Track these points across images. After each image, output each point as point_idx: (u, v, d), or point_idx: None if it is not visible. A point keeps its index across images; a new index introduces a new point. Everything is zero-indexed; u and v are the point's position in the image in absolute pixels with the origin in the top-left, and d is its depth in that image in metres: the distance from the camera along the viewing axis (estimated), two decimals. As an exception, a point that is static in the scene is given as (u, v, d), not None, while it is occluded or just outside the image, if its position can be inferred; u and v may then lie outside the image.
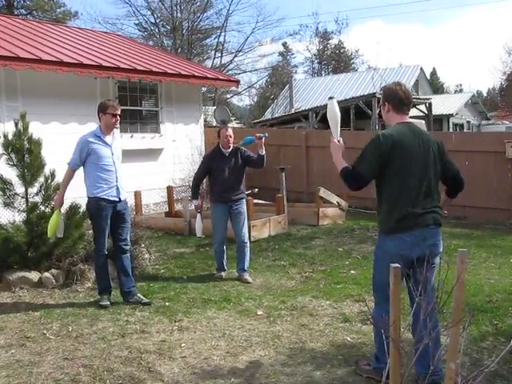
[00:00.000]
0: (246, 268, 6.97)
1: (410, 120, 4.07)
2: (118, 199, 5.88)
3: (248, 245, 7.07)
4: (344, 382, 4.00)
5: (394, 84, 4.05)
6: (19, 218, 6.84)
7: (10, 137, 6.57)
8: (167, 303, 5.98)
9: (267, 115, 30.56)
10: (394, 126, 3.94)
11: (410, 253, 3.67)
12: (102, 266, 6.03)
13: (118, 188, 5.87)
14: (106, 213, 5.81)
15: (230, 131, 7.01)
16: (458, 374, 2.30)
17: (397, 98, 3.96)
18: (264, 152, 6.87)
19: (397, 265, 2.14)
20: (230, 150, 6.97)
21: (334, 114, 4.16)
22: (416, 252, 3.65)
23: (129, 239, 6.14)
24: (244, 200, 7.13)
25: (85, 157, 5.77)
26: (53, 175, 6.71)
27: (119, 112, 5.94)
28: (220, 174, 6.89)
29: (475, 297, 5.78)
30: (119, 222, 5.96)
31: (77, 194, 6.12)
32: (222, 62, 37.65)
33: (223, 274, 7.07)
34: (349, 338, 4.86)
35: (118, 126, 6.05)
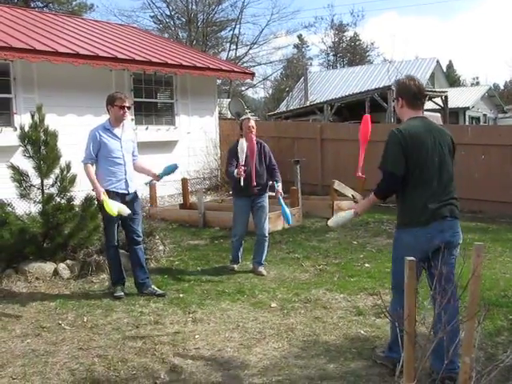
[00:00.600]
0: (262, 262, 6.97)
1: (425, 114, 4.06)
2: (126, 192, 5.90)
3: (267, 239, 7.06)
4: (357, 376, 3.99)
5: (407, 79, 4.03)
6: (35, 209, 6.88)
7: (27, 129, 6.60)
8: (181, 295, 6.00)
9: (282, 108, 30.49)
10: (407, 120, 3.95)
11: (427, 246, 3.69)
12: (114, 258, 6.06)
13: (126, 181, 5.89)
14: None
15: (253, 122, 6.93)
16: (472, 369, 2.29)
17: (411, 93, 3.95)
18: (278, 188, 6.93)
19: (412, 258, 2.13)
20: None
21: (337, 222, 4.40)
22: (433, 245, 3.67)
23: (141, 231, 6.16)
24: (267, 194, 7.09)
25: (97, 150, 5.79)
26: (68, 167, 6.74)
27: (127, 104, 5.93)
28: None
29: (490, 291, 5.74)
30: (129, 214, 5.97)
31: (91, 186, 6.15)
32: (237, 55, 37.69)
33: (236, 266, 7.08)
34: (362, 332, 4.85)
35: (128, 117, 6.03)
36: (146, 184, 6.78)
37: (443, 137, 3.93)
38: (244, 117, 7.09)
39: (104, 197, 5.65)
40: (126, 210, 5.69)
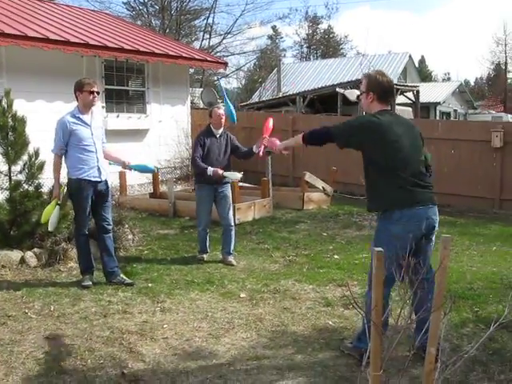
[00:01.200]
0: (231, 251, 6.97)
1: (396, 108, 4.15)
2: (99, 179, 5.83)
3: (234, 228, 7.07)
4: (325, 366, 4.02)
5: (378, 74, 4.09)
6: (2, 196, 6.77)
7: (-6, 114, 6.49)
8: (150, 284, 5.97)
9: (254, 98, 30.46)
10: (377, 113, 3.98)
11: (418, 230, 3.80)
12: (83, 246, 6.00)
13: (99, 168, 5.82)
14: (87, 193, 5.76)
15: (222, 111, 6.95)
16: (437, 360, 2.32)
17: (382, 88, 4.02)
18: (257, 151, 6.47)
19: (380, 249, 2.15)
20: (221, 130, 6.91)
21: None
22: (421, 232, 3.81)
23: (111, 219, 6.11)
24: (229, 184, 7.10)
25: (67, 139, 5.70)
26: (37, 153, 6.65)
27: (96, 89, 5.84)
28: (209, 155, 6.80)
29: (457, 284, 5.83)
30: (101, 201, 5.92)
31: (61, 174, 6.07)
32: (211, 44, 37.38)
33: (205, 256, 7.08)
34: (330, 322, 4.89)
35: (98, 103, 5.95)
36: (110, 164, 6.59)
37: (412, 128, 4.06)
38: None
39: (55, 200, 5.80)
40: (50, 227, 5.89)
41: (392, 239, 3.73)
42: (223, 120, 6.90)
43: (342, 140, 4.02)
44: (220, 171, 6.63)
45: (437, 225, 3.99)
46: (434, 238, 4.03)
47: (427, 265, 3.77)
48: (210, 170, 6.63)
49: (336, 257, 7.18)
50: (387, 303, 3.52)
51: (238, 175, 6.90)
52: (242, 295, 5.63)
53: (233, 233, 7.01)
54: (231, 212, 7.08)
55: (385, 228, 3.95)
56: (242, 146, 7.11)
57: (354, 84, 21.01)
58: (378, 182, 3.94)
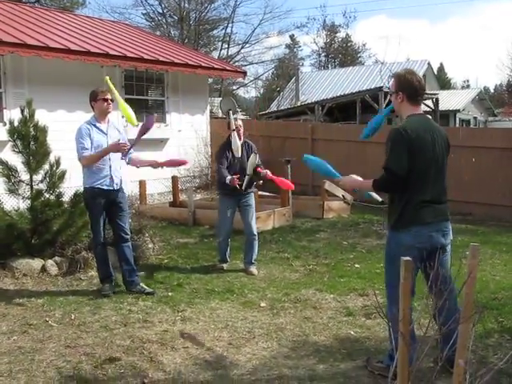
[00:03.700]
0: (253, 261, 6.95)
1: (423, 112, 4.03)
2: (111, 188, 5.83)
3: (257, 237, 7.03)
4: (347, 377, 3.97)
5: (408, 72, 3.93)
6: (23, 205, 6.82)
7: (16, 124, 6.54)
8: (170, 293, 5.95)
9: (273, 107, 30.45)
10: (408, 118, 3.87)
11: (426, 245, 3.70)
12: (101, 255, 6.00)
13: (111, 177, 5.81)
14: (99, 201, 5.75)
15: (240, 121, 6.98)
16: (466, 371, 2.27)
17: (413, 88, 3.86)
18: (264, 174, 6.84)
19: (408, 258, 2.10)
20: (241, 141, 6.93)
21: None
22: (431, 244, 3.71)
23: (128, 228, 6.10)
24: (252, 193, 7.09)
25: (90, 143, 5.71)
26: (58, 163, 6.69)
27: (110, 96, 5.88)
28: (231, 166, 6.82)
29: (480, 293, 5.74)
30: (117, 211, 5.92)
31: (80, 182, 6.09)
32: (229, 54, 37.65)
33: (224, 265, 7.06)
34: (352, 332, 4.83)
35: (111, 110, 5.97)
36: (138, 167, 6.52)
37: (442, 136, 3.90)
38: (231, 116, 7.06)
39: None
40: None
41: (403, 250, 3.56)
42: (242, 130, 6.94)
43: (403, 167, 3.69)
44: (236, 182, 6.60)
45: (450, 235, 3.91)
46: (449, 249, 3.93)
47: (449, 276, 3.72)
48: (228, 179, 6.63)
49: (357, 266, 7.12)
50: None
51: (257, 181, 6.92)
52: (263, 304, 5.60)
53: (255, 242, 6.98)
54: (254, 221, 7.05)
55: (394, 237, 3.85)
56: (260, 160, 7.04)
57: (373, 92, 20.95)
58: (397, 195, 3.83)
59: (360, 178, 4.09)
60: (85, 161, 5.71)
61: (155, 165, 6.08)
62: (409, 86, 3.86)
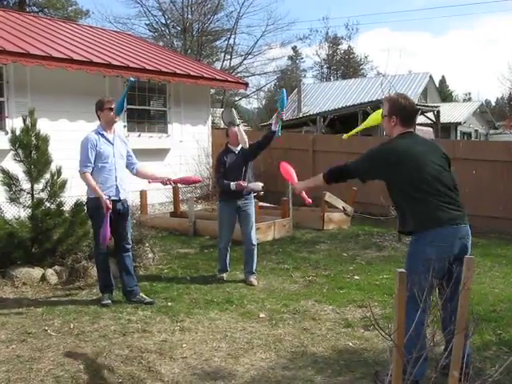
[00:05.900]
0: (253, 271, 6.96)
1: (417, 128, 4.11)
2: (117, 198, 5.85)
3: (256, 247, 7.05)
4: (345, 388, 3.97)
5: (401, 97, 4.05)
6: (24, 213, 6.84)
7: (18, 132, 6.57)
8: (169, 303, 5.96)
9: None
10: (397, 137, 3.98)
11: (451, 252, 3.72)
12: (102, 264, 6.01)
13: (117, 187, 5.84)
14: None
15: (237, 128, 7.05)
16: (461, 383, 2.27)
17: (406, 112, 4.00)
18: (276, 129, 6.88)
19: (402, 270, 2.12)
20: (239, 147, 6.99)
21: None
22: (453, 252, 3.73)
23: (130, 238, 6.12)
24: (252, 201, 7.11)
25: (94, 156, 5.72)
26: (59, 172, 6.71)
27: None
28: (232, 171, 6.85)
29: (479, 305, 5.74)
30: (120, 221, 5.93)
31: (81, 192, 6.12)
32: (231, 65, 37.73)
33: (225, 275, 7.06)
34: (351, 344, 4.83)
35: (118, 120, 6.00)
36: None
37: (434, 146, 4.04)
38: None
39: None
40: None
41: (425, 263, 3.49)
42: (239, 138, 7.00)
43: (362, 175, 4.11)
44: (243, 183, 6.72)
45: (469, 245, 3.93)
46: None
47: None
48: (233, 184, 6.70)
49: (356, 277, 7.12)
50: (422, 330, 3.36)
51: (260, 184, 6.95)
52: (262, 315, 5.60)
53: (255, 252, 6.99)
54: (254, 231, 7.07)
55: (418, 251, 3.83)
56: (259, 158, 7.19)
57: (375, 104, 21.00)
58: (406, 205, 3.88)
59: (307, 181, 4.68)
60: (83, 177, 5.73)
61: (167, 182, 6.06)
62: (403, 110, 3.99)
